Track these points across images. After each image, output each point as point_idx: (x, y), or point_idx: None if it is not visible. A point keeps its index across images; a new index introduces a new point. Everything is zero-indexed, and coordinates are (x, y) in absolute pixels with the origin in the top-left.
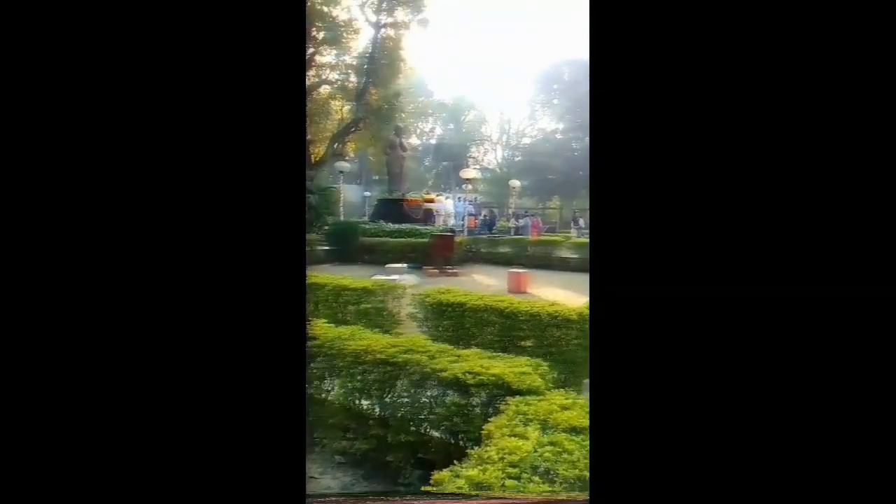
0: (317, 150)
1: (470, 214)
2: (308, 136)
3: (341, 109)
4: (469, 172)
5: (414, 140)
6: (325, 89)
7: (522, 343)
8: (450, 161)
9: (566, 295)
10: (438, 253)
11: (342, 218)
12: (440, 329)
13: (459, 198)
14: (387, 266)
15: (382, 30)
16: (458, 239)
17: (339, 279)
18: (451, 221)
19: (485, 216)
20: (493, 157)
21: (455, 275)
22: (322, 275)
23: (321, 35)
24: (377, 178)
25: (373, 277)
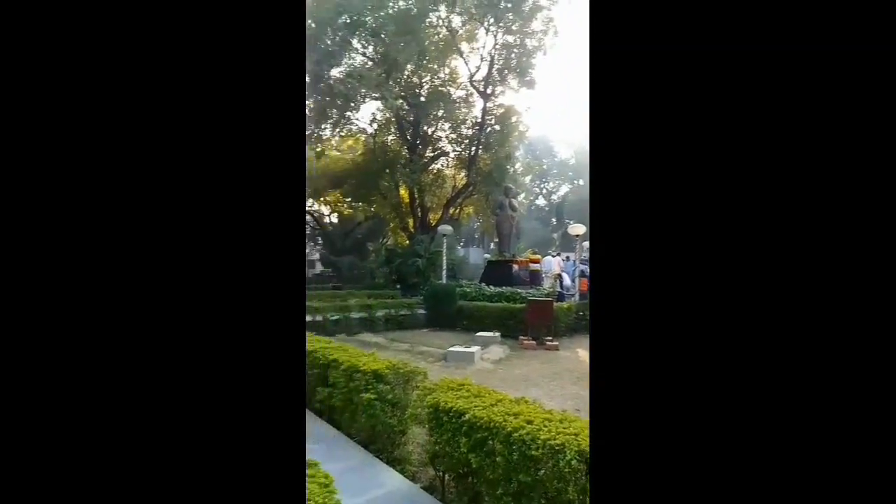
0: (433, 217)
1: (582, 275)
2: (426, 204)
3: (454, 177)
4: (578, 228)
5: (541, 201)
6: (441, 162)
7: None
8: (575, 220)
9: None
10: (534, 320)
11: (444, 281)
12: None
13: (567, 257)
14: (477, 334)
15: (491, 98)
16: (565, 304)
17: (355, 357)
18: (566, 282)
19: None
20: None
21: (555, 348)
22: (351, 348)
23: (440, 112)
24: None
25: (450, 349)
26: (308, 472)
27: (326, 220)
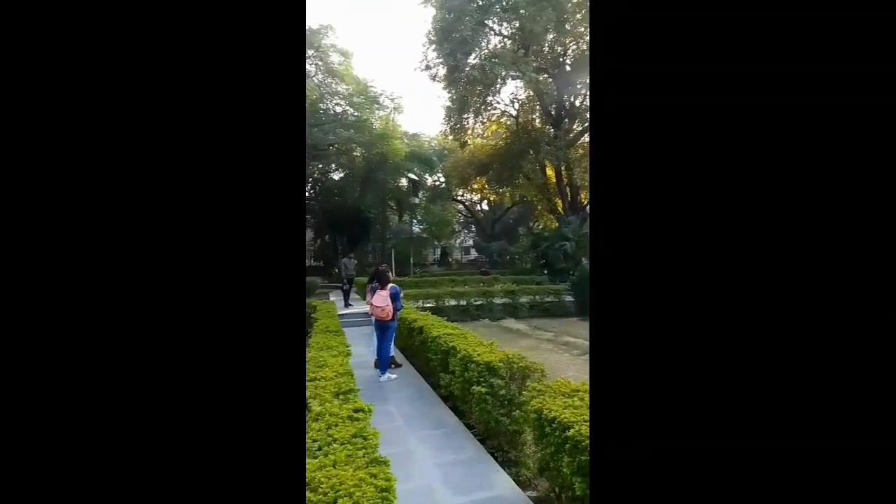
0: (585, 196)
1: None
2: (576, 182)
3: None
4: None
5: None
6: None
7: None
8: None
9: None
10: None
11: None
12: None
13: None
14: None
15: None
16: None
17: (472, 346)
18: None
19: None
20: None
21: None
22: (471, 335)
23: (587, 80)
24: None
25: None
26: (371, 470)
27: (478, 207)
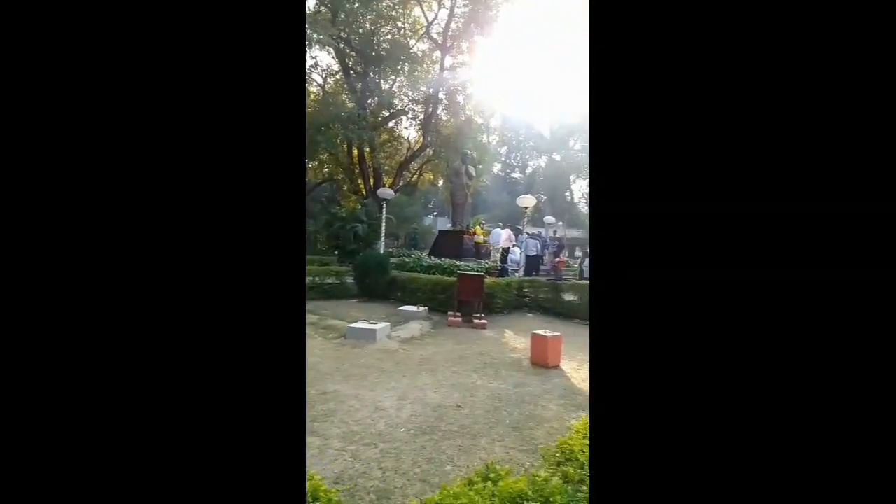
0: (388, 181)
1: (531, 252)
2: (381, 167)
3: (409, 140)
4: (527, 200)
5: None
6: (401, 122)
7: None
8: (546, 194)
9: None
10: (463, 296)
11: (382, 250)
12: None
13: (539, 232)
14: (400, 308)
15: (452, 53)
16: (505, 280)
17: None
18: (514, 257)
19: (535, 250)
20: None
21: (482, 326)
22: None
23: (398, 66)
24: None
25: (350, 325)
26: None
27: None
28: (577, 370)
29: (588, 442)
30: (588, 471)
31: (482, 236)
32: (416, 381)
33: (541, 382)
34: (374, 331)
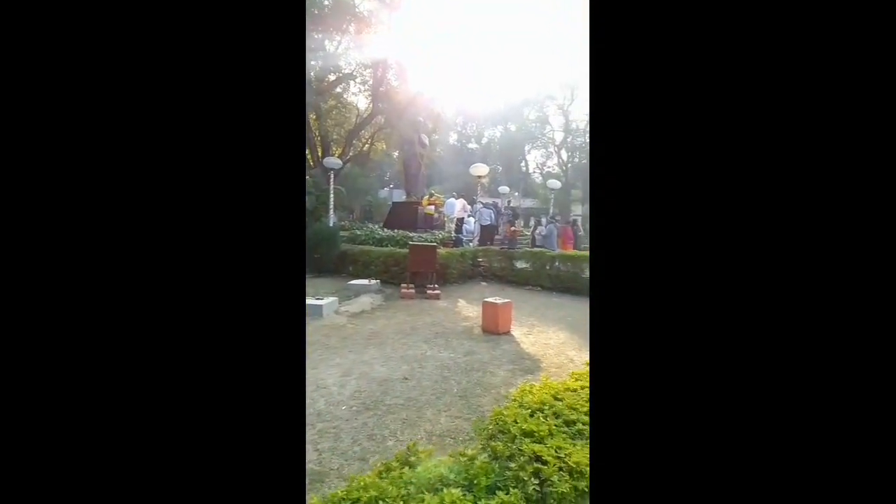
0: (337, 151)
1: (486, 222)
2: (329, 135)
3: (356, 106)
4: (479, 168)
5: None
6: (348, 88)
7: None
8: (501, 164)
9: (568, 341)
10: (416, 267)
11: (332, 223)
12: None
13: (495, 203)
14: (351, 282)
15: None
16: (459, 251)
17: None
18: (469, 227)
19: (485, 218)
20: (556, 161)
21: (436, 297)
22: None
23: (351, 28)
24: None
25: (311, 300)
26: None
27: None
28: (526, 335)
29: (522, 411)
30: (518, 444)
31: (433, 206)
32: (363, 356)
33: (490, 349)
34: (319, 306)
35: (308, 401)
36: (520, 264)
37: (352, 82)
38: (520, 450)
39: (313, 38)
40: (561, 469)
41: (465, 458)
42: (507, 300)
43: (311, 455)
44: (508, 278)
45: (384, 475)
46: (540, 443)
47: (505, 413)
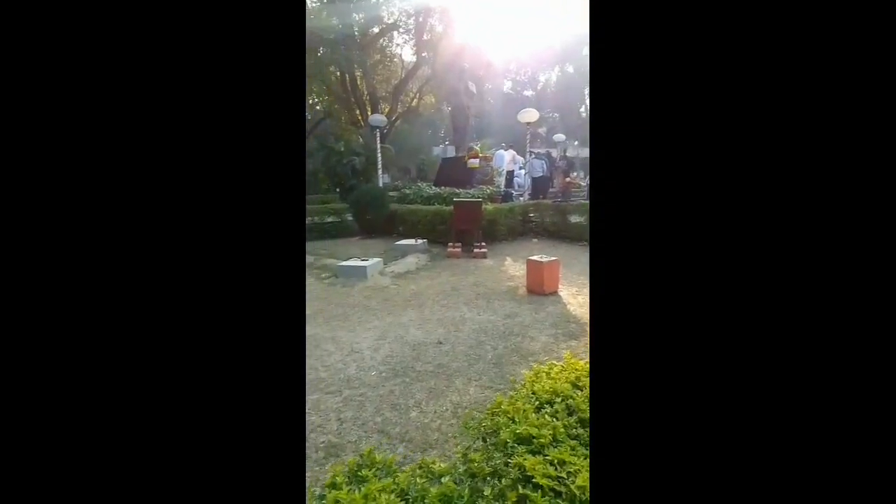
0: (386, 108)
1: (537, 174)
2: (377, 93)
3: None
4: (529, 114)
5: (528, 92)
6: (393, 39)
7: None
8: (558, 112)
9: None
10: (460, 225)
11: (382, 183)
12: None
13: (548, 152)
14: (397, 243)
15: None
16: (507, 206)
17: None
18: (519, 181)
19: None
20: None
21: (482, 255)
22: None
23: None
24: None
25: (341, 263)
26: None
27: None
28: (574, 296)
29: (527, 404)
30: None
31: (476, 158)
32: (401, 319)
33: (533, 311)
34: (364, 268)
35: (340, 366)
36: (574, 218)
37: (395, 33)
38: (507, 464)
39: None
40: (558, 496)
41: (436, 470)
42: (553, 258)
43: (332, 425)
44: (562, 234)
45: (327, 493)
46: (538, 453)
47: (505, 409)
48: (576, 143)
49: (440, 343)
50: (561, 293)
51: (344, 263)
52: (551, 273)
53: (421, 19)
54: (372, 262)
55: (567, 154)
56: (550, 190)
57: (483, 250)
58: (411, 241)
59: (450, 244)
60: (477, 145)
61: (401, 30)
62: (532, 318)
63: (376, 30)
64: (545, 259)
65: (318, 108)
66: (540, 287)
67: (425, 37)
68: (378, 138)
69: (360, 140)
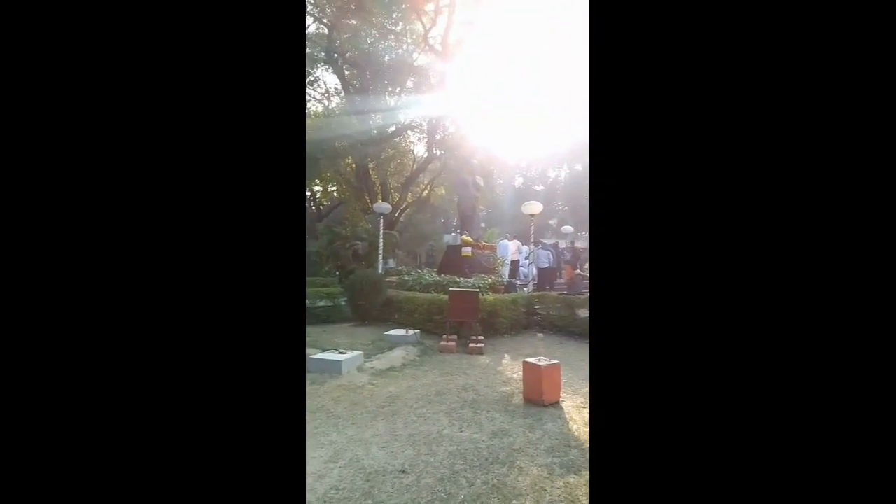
0: (397, 198)
1: (543, 264)
2: (388, 183)
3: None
4: (532, 206)
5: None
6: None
7: None
8: (566, 204)
9: None
10: (457, 316)
11: (382, 268)
12: None
13: (556, 242)
14: (387, 333)
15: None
16: (510, 297)
17: None
18: (524, 270)
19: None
20: None
21: (478, 351)
22: None
23: (409, 82)
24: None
25: (313, 356)
26: None
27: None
28: (579, 409)
29: None
30: None
31: (469, 247)
32: (364, 433)
33: (527, 429)
34: (339, 363)
35: None
36: (582, 313)
37: (410, 132)
38: None
39: (372, 94)
40: None
41: None
42: (554, 361)
43: None
44: (569, 328)
45: None
46: None
47: None
48: (583, 234)
49: (403, 472)
50: (563, 404)
51: (318, 356)
52: (552, 379)
53: (434, 120)
54: (350, 355)
55: (575, 245)
56: (557, 281)
57: (480, 345)
58: (402, 332)
59: (444, 336)
60: (466, 234)
61: (415, 130)
62: (524, 440)
63: (392, 128)
64: (544, 362)
65: (335, 194)
66: (538, 396)
67: (437, 136)
68: (381, 224)
69: (369, 226)
